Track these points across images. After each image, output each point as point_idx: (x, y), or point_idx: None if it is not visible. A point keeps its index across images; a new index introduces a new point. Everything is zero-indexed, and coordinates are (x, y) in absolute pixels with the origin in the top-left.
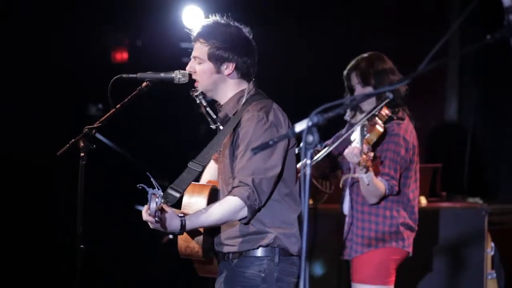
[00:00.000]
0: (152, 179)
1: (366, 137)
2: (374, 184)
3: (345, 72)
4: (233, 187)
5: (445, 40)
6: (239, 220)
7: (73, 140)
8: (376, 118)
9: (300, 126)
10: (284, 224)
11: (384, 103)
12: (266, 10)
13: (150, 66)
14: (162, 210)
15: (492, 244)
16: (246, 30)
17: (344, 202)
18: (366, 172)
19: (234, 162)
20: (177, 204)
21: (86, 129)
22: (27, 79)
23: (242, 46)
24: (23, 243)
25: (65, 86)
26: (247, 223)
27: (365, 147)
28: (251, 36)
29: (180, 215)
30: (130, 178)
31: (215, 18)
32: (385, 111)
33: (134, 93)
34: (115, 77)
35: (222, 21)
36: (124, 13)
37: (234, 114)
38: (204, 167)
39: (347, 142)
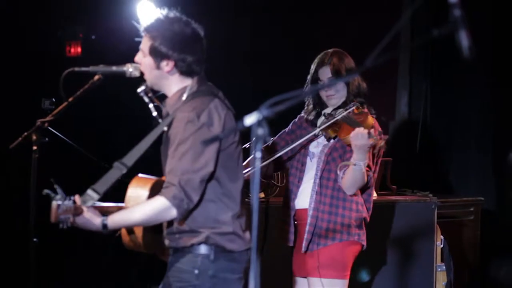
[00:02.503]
0: (55, 185)
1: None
2: (363, 173)
3: (313, 66)
4: (162, 188)
5: (392, 35)
6: (170, 219)
7: (25, 133)
8: (352, 114)
9: (250, 120)
10: (218, 224)
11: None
12: (222, 4)
13: (104, 60)
14: (76, 212)
15: (442, 237)
16: (196, 26)
17: (299, 196)
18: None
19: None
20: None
21: (39, 122)
22: None
23: (184, 44)
24: None
25: (18, 80)
26: (180, 222)
27: (372, 130)
28: (203, 33)
29: (103, 215)
30: (83, 171)
31: (164, 12)
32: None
33: (86, 86)
34: (67, 71)
35: (170, 16)
36: (78, 7)
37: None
38: (127, 169)
39: (306, 141)
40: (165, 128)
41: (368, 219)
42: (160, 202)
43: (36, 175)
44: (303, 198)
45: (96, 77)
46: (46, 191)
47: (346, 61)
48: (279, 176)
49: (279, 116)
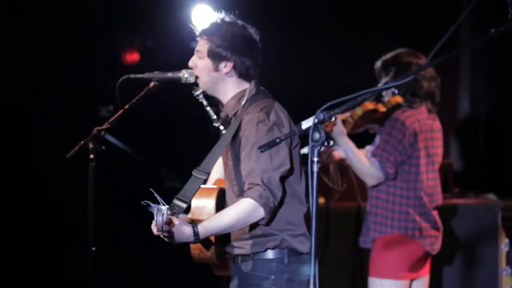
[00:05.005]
0: (155, 194)
1: (353, 109)
2: (357, 159)
3: (376, 64)
4: (245, 191)
5: (449, 34)
6: (258, 221)
7: (82, 142)
8: (381, 102)
9: (306, 124)
10: (290, 225)
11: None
12: (277, 10)
13: (161, 66)
14: (169, 223)
15: (507, 240)
16: (252, 30)
17: None
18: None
19: (238, 164)
20: (186, 209)
21: (95, 131)
22: (38, 81)
23: (243, 46)
24: (34, 247)
25: (76, 88)
26: (267, 224)
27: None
28: (259, 37)
29: (192, 224)
30: (141, 179)
31: (221, 16)
32: (396, 98)
33: (141, 93)
34: (123, 78)
35: (228, 20)
36: (134, 14)
37: (235, 115)
38: (208, 174)
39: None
40: (222, 127)
41: (427, 215)
42: (248, 203)
43: (93, 183)
44: None
45: (152, 84)
46: (146, 201)
47: (402, 57)
48: (340, 181)
49: None
